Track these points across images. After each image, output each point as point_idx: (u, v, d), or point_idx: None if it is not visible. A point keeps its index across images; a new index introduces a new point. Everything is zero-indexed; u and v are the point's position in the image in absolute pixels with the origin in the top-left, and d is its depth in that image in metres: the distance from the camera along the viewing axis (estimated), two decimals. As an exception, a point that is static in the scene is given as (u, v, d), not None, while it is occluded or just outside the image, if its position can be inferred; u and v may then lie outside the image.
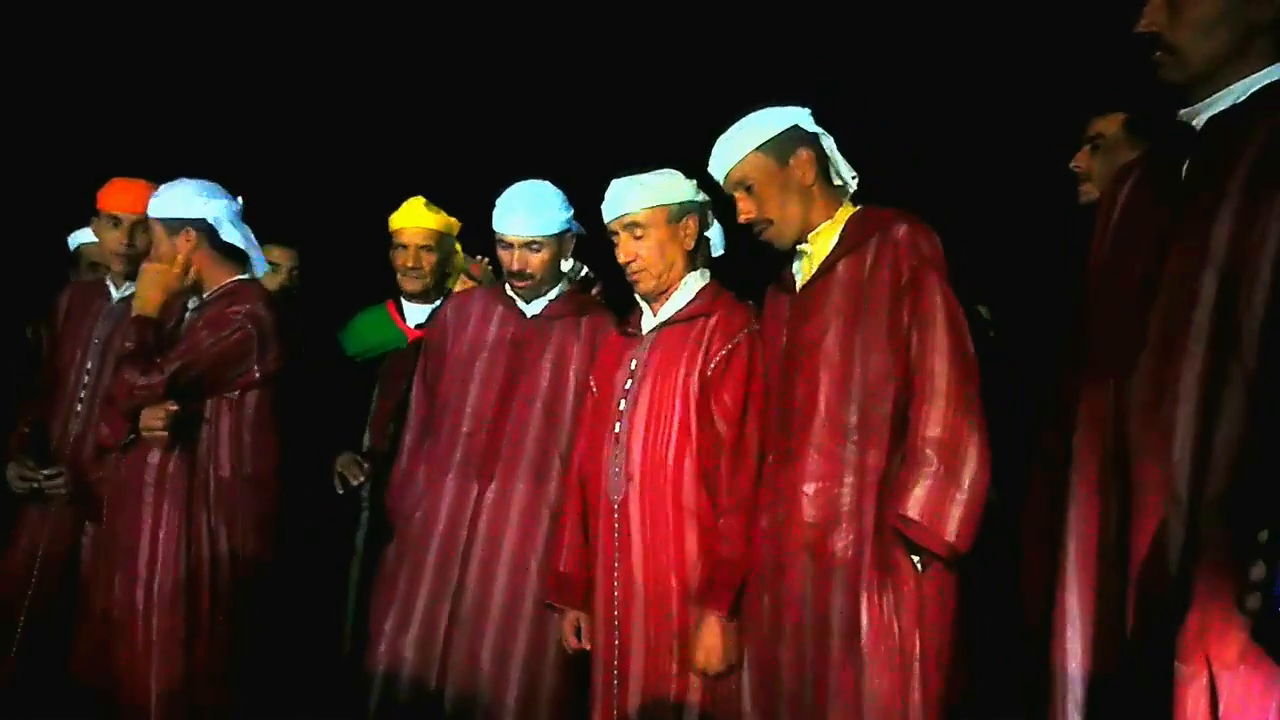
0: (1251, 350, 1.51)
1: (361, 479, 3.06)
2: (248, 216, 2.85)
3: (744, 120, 2.30)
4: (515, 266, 2.69)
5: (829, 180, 2.30)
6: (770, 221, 2.26)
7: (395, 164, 3.92)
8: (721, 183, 2.33)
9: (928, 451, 2.00)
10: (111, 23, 4.11)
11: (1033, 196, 2.81)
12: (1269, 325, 1.50)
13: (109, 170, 3.11)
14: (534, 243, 2.67)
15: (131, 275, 3.07)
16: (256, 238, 2.85)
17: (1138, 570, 1.58)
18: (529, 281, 2.71)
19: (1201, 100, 1.65)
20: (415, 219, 3.23)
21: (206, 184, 2.79)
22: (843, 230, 2.24)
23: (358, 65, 4.25)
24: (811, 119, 2.29)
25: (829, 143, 2.29)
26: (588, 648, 2.46)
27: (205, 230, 2.74)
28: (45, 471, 3.05)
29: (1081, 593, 1.68)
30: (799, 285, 2.28)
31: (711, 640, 2.24)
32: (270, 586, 2.75)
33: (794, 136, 2.26)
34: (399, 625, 2.62)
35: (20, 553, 3.08)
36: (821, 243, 2.26)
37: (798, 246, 2.29)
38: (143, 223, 3.01)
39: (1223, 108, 1.63)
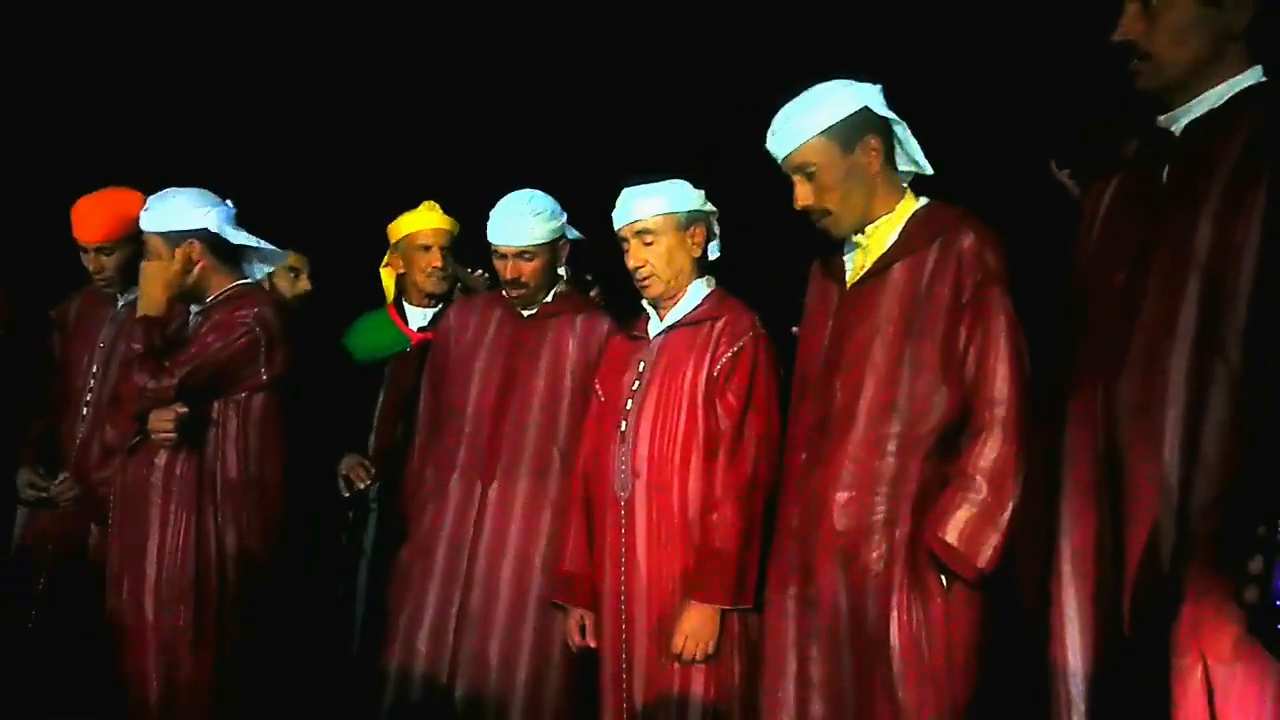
0: (1236, 349, 1.55)
1: (368, 482, 3.09)
2: (253, 221, 2.86)
3: (810, 97, 2.13)
4: (509, 275, 2.74)
5: (894, 169, 2.17)
6: (828, 212, 2.13)
7: (401, 170, 3.94)
8: (779, 162, 2.17)
9: (979, 479, 1.96)
10: (126, 29, 4.12)
11: (1027, 197, 2.83)
12: (1253, 325, 1.53)
13: (122, 177, 3.12)
14: (526, 252, 2.71)
15: (133, 282, 3.08)
16: (269, 244, 2.86)
17: (1133, 568, 1.61)
18: (523, 290, 2.75)
19: (1179, 106, 1.69)
20: (435, 220, 3.29)
21: (199, 192, 2.78)
22: (904, 228, 2.13)
23: (362, 72, 4.26)
24: (881, 100, 2.13)
25: (901, 129, 2.14)
26: (592, 645, 2.49)
27: (207, 240, 2.74)
28: (55, 481, 3.07)
29: (1079, 591, 1.71)
30: (849, 279, 2.17)
31: (691, 626, 2.28)
32: (279, 588, 2.76)
33: (863, 121, 2.10)
34: (412, 623, 2.68)
35: (30, 556, 3.09)
36: (879, 237, 2.14)
37: (853, 236, 2.18)
38: (105, 248, 3.03)
39: (1201, 113, 1.67)
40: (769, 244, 2.44)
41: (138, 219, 2.79)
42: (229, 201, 2.82)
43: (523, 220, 2.71)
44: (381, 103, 4.23)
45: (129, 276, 3.07)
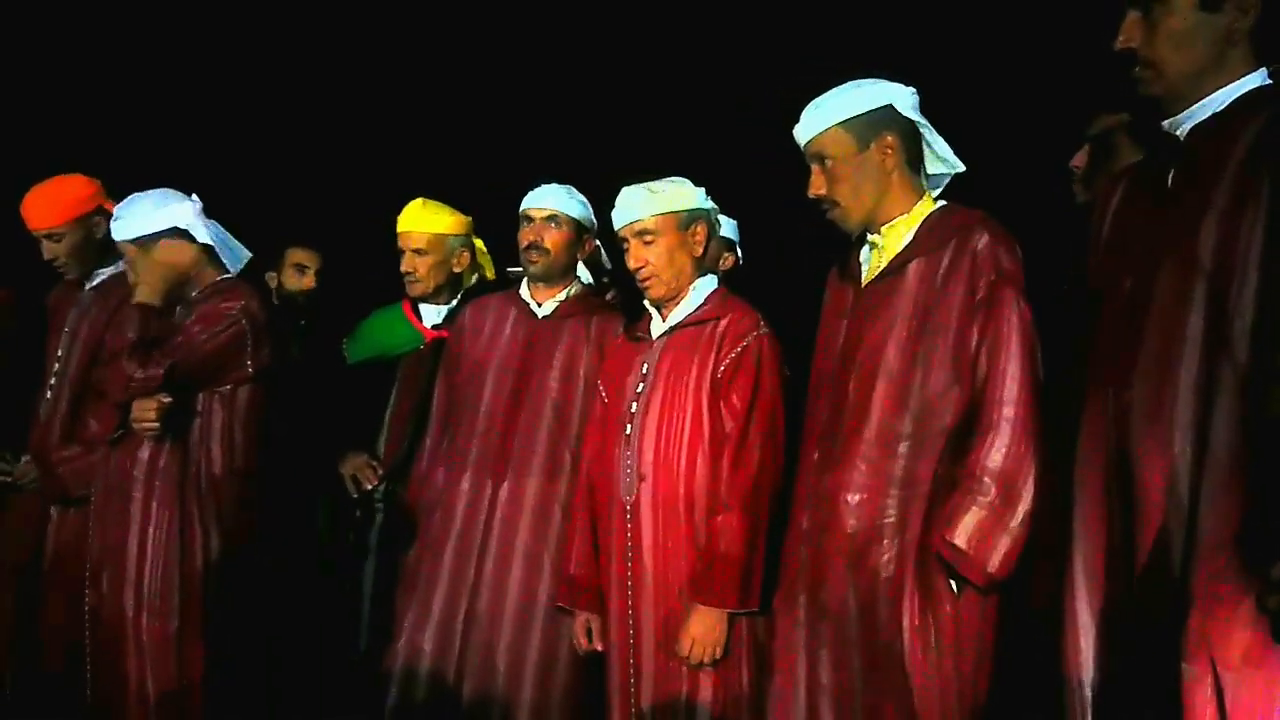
0: (1243, 352, 1.54)
1: (375, 482, 3.06)
2: (266, 217, 2.86)
3: (837, 90, 2.16)
4: (531, 238, 2.75)
5: (915, 170, 2.17)
6: (837, 203, 2.14)
7: (414, 168, 3.94)
8: (802, 150, 2.20)
9: (986, 480, 1.93)
10: (140, 28, 4.16)
11: (1032, 195, 2.80)
12: (1259, 326, 1.52)
13: (135, 177, 3.11)
14: (555, 217, 2.75)
15: (87, 265, 3.12)
16: (279, 240, 2.86)
17: (1142, 574, 1.60)
18: (541, 258, 2.75)
19: (1183, 111, 1.69)
20: (409, 222, 3.14)
21: (163, 192, 2.78)
22: (919, 228, 2.12)
23: (372, 68, 4.28)
24: (911, 102, 2.14)
25: (928, 131, 2.15)
26: (599, 648, 2.49)
27: (180, 237, 2.74)
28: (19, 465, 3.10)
29: (1091, 599, 1.70)
30: (865, 279, 2.17)
31: (698, 631, 2.27)
32: (284, 588, 2.75)
33: (883, 118, 2.11)
34: (418, 622, 2.67)
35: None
36: (894, 237, 2.14)
37: (869, 236, 2.18)
38: (53, 234, 3.05)
39: (1204, 117, 1.67)
40: (788, 244, 2.42)
41: (82, 203, 2.85)
42: (194, 197, 2.81)
43: (558, 191, 2.78)
44: (391, 100, 4.25)
45: (82, 260, 3.12)
